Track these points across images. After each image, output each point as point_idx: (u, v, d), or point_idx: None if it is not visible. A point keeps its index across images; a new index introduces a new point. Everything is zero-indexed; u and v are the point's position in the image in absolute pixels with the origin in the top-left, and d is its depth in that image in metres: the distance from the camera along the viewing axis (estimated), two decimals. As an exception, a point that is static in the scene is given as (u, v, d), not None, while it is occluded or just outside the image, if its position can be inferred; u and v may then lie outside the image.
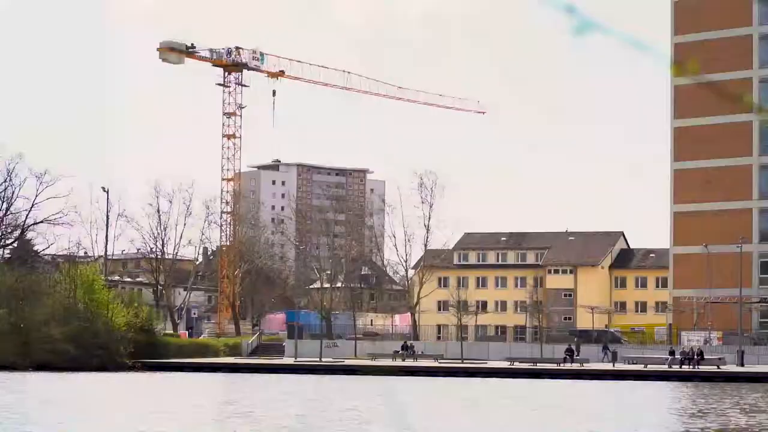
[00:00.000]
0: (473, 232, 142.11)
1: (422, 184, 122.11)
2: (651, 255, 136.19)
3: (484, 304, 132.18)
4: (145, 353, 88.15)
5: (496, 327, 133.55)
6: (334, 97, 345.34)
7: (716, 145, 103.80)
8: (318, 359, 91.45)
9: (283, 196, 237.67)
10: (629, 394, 59.96)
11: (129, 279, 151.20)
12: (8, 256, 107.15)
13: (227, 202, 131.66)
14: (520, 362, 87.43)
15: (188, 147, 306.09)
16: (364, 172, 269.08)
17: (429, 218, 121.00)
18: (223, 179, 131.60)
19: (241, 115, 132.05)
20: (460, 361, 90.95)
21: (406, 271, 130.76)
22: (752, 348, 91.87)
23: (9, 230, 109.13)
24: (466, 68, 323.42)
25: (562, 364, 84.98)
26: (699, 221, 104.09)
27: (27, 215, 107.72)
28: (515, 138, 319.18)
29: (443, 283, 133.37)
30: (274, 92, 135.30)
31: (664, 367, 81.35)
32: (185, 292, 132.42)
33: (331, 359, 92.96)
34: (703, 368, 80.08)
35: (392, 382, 69.15)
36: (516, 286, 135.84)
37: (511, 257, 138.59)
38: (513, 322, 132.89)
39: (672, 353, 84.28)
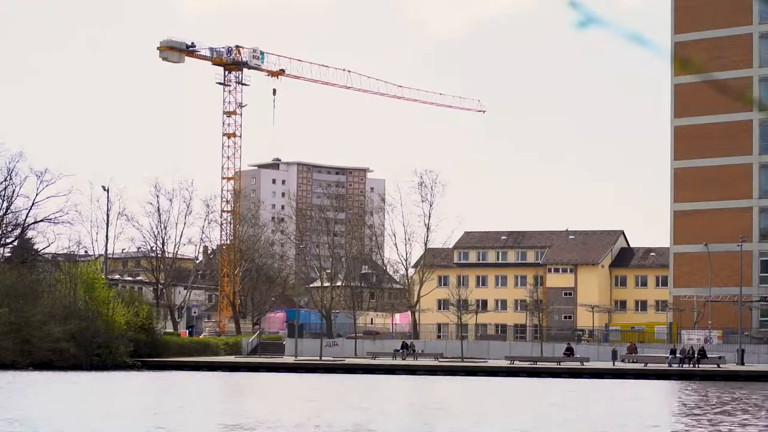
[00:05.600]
0: (473, 231, 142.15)
1: (422, 183, 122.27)
2: (651, 254, 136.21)
3: (484, 303, 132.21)
4: (146, 352, 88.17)
5: (496, 326, 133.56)
6: (335, 95, 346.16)
7: (716, 143, 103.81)
8: (318, 358, 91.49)
9: (283, 194, 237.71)
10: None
11: (129, 278, 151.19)
12: (8, 255, 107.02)
13: (227, 201, 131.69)
14: (520, 361, 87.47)
15: (189, 146, 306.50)
16: (364, 170, 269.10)
17: (429, 217, 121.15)
18: (223, 178, 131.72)
19: (241, 114, 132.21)
20: (460, 359, 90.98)
21: (407, 269, 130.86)
22: (752, 347, 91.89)
23: (9, 229, 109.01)
24: (467, 67, 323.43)
25: (561, 363, 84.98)
26: (699, 220, 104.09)
27: (27, 214, 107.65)
28: (515, 137, 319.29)
29: (443, 281, 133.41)
30: (274, 91, 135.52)
31: (665, 366, 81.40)
32: (185, 291, 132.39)
33: (331, 358, 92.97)
34: (703, 367, 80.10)
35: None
36: (516, 285, 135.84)
37: (511, 256, 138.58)
38: (513, 320, 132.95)
39: (673, 352, 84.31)
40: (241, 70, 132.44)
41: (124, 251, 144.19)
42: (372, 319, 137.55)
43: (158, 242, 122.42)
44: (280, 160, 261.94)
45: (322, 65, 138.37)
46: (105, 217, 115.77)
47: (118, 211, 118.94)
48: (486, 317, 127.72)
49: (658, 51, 9.91)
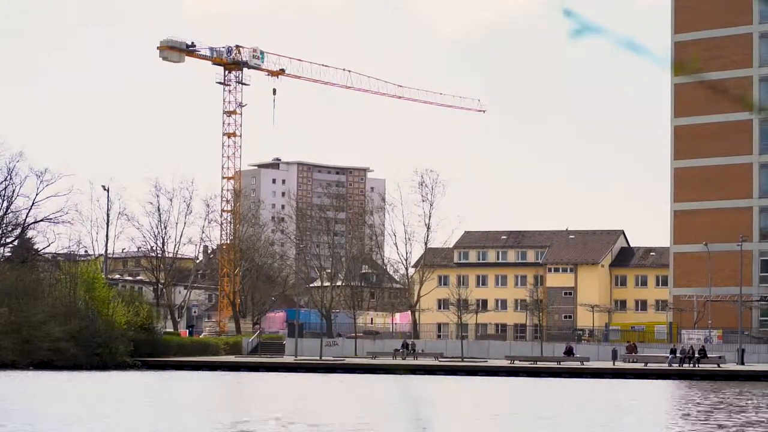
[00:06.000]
0: (473, 231, 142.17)
1: (423, 183, 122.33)
2: (651, 253, 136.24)
3: (485, 303, 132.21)
4: (146, 352, 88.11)
5: (497, 325, 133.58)
6: (335, 95, 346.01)
7: (716, 143, 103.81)
8: (318, 358, 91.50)
9: (283, 194, 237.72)
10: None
11: (129, 277, 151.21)
12: (9, 254, 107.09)
13: (227, 201, 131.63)
14: (520, 360, 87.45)
15: (189, 145, 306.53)
16: (364, 170, 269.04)
17: (429, 217, 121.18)
18: (223, 177, 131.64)
19: (241, 114, 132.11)
20: (460, 359, 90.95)
21: (407, 269, 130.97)
22: (753, 346, 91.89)
23: (9, 229, 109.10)
24: (467, 67, 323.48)
25: (561, 363, 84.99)
26: (699, 219, 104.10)
27: (27, 214, 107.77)
28: (515, 136, 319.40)
29: (443, 281, 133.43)
30: (274, 90, 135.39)
31: (665, 366, 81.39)
32: (186, 291, 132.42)
33: (331, 358, 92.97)
34: (703, 367, 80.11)
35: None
36: (516, 284, 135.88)
37: (512, 256, 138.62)
38: (513, 320, 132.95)
39: (673, 352, 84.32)
40: (241, 70, 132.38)
41: (124, 251, 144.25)
42: (372, 318, 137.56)
43: (158, 242, 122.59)
44: (280, 159, 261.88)
45: (322, 65, 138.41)
46: (105, 217, 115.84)
47: (118, 211, 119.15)
48: (486, 317, 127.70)
49: (656, 59, 9.89)
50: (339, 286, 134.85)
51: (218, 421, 36.31)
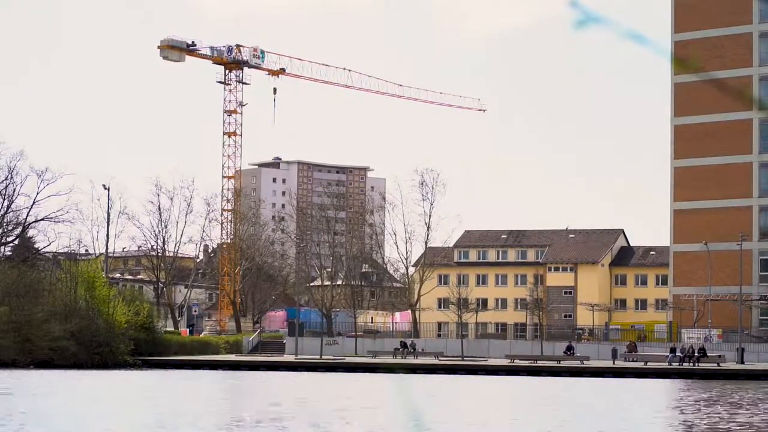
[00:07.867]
0: (473, 230, 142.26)
1: (423, 182, 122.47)
2: (651, 252, 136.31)
3: (485, 302, 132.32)
4: (146, 351, 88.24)
5: (497, 324, 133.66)
6: (335, 94, 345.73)
7: (716, 142, 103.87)
8: (318, 356, 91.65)
9: (283, 193, 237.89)
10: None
11: (130, 276, 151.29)
12: (9, 253, 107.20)
13: (228, 200, 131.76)
14: (520, 360, 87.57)
15: (189, 145, 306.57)
16: (364, 169, 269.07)
17: (429, 216, 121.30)
18: (223, 177, 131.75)
19: (241, 113, 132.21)
20: (460, 358, 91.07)
21: (407, 268, 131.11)
22: (752, 345, 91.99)
23: (10, 228, 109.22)
24: (467, 66, 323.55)
25: (562, 362, 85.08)
26: (699, 219, 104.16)
27: (28, 213, 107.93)
28: (516, 136, 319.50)
29: (443, 280, 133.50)
30: (274, 90, 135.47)
31: (665, 365, 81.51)
32: (186, 290, 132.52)
33: (331, 356, 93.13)
34: (703, 366, 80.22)
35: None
36: (516, 283, 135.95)
37: (512, 255, 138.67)
38: (513, 319, 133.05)
39: (673, 351, 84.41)
40: (242, 69, 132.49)
41: (124, 250, 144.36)
42: (372, 317, 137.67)
43: (159, 241, 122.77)
44: (280, 159, 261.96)
45: (323, 64, 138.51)
46: (106, 216, 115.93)
47: (118, 210, 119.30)
48: (486, 316, 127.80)
49: (658, 50, 10.00)
50: (339, 285, 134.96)
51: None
